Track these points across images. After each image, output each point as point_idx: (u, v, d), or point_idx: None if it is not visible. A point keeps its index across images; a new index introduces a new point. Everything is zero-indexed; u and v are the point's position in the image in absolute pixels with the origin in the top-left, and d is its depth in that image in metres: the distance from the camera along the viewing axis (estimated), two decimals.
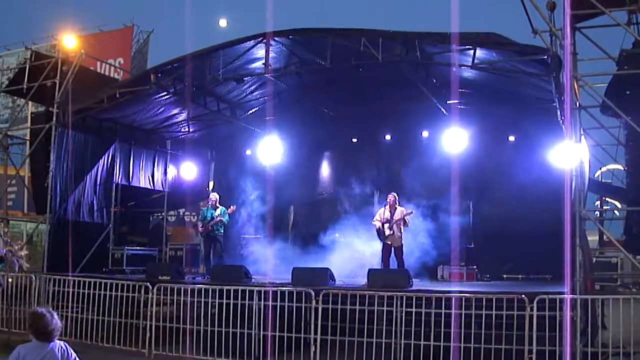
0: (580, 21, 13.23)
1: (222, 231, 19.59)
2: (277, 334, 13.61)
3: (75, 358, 6.77)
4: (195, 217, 29.81)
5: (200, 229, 19.80)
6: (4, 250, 19.01)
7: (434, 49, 15.46)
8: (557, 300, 11.79)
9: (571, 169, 12.82)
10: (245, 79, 18.16)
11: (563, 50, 12.93)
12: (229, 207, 19.69)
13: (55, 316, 6.77)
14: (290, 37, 16.50)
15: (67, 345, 6.78)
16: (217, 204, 19.64)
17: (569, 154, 12.94)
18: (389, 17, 74.48)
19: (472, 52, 14.57)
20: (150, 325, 14.76)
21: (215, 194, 20.27)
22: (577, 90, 12.88)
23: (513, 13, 15.12)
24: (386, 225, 17.69)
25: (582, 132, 12.92)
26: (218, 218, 19.21)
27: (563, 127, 13.36)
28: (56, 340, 6.70)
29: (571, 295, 11.90)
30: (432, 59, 15.88)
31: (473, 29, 13.86)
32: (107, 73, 31.85)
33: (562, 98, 13.28)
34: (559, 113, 14.03)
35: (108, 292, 15.40)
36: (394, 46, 15.30)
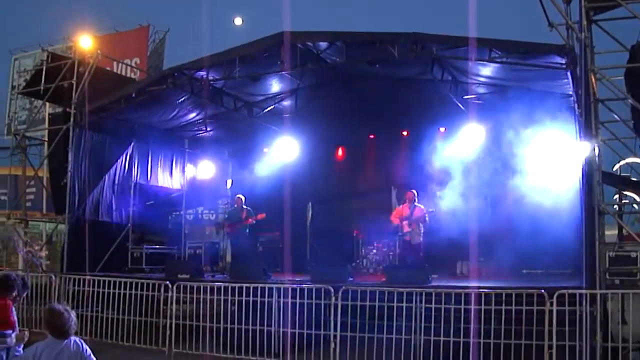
0: (596, 14, 13.16)
1: (248, 231, 19.84)
2: (297, 331, 13.60)
3: (89, 354, 6.80)
4: (215, 216, 29.93)
5: (227, 229, 20.11)
6: (24, 250, 19.20)
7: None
8: (577, 295, 11.74)
9: (587, 162, 12.79)
10: (262, 77, 18.19)
11: (579, 43, 12.91)
12: (258, 213, 19.88)
13: (72, 313, 6.81)
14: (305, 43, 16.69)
15: (81, 340, 6.82)
16: (243, 205, 19.95)
17: (585, 148, 12.90)
18: (402, 7, 74.58)
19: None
20: (170, 324, 14.79)
21: (242, 195, 20.56)
22: (594, 84, 12.81)
23: (529, 6, 15.09)
24: (405, 222, 17.70)
25: (599, 125, 12.84)
26: (249, 220, 19.46)
27: (581, 120, 13.31)
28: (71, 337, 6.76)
29: (590, 291, 11.86)
30: (448, 55, 15.89)
31: (489, 23, 13.89)
32: (123, 73, 32.04)
33: (580, 91, 13.23)
34: (576, 106, 13.97)
35: (128, 291, 15.46)
36: (410, 42, 15.32)
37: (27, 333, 8.64)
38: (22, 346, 8.47)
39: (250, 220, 19.75)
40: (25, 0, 77.98)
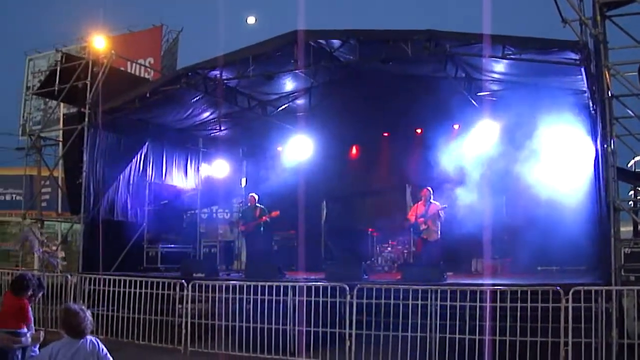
0: (610, 9, 13.12)
1: (263, 230, 19.91)
2: (312, 329, 13.64)
3: (106, 353, 6.82)
4: (229, 215, 30.01)
5: (242, 228, 20.19)
6: (40, 250, 19.29)
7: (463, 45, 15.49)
8: (593, 292, 11.70)
9: (602, 159, 12.76)
10: (275, 75, 18.20)
11: (593, 39, 12.86)
12: (271, 211, 19.95)
13: (88, 313, 6.83)
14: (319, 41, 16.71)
15: (97, 340, 6.83)
16: (257, 204, 20.03)
17: (600, 144, 12.87)
18: (414, 4, 74.56)
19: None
20: (186, 322, 14.85)
21: (254, 194, 20.67)
22: (608, 80, 12.76)
23: (542, 2, 15.05)
24: (421, 220, 17.71)
25: (613, 121, 12.80)
26: (263, 218, 19.57)
27: (595, 116, 13.27)
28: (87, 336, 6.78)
29: (606, 287, 11.82)
30: (462, 52, 15.86)
31: (502, 20, 13.86)
32: (137, 73, 32.12)
33: (594, 87, 13.18)
34: (590, 103, 13.91)
35: (143, 290, 15.52)
36: (423, 39, 15.30)
37: (42, 333, 8.70)
38: (37, 346, 8.53)
39: (264, 218, 19.84)
40: (39, 1, 78.32)
